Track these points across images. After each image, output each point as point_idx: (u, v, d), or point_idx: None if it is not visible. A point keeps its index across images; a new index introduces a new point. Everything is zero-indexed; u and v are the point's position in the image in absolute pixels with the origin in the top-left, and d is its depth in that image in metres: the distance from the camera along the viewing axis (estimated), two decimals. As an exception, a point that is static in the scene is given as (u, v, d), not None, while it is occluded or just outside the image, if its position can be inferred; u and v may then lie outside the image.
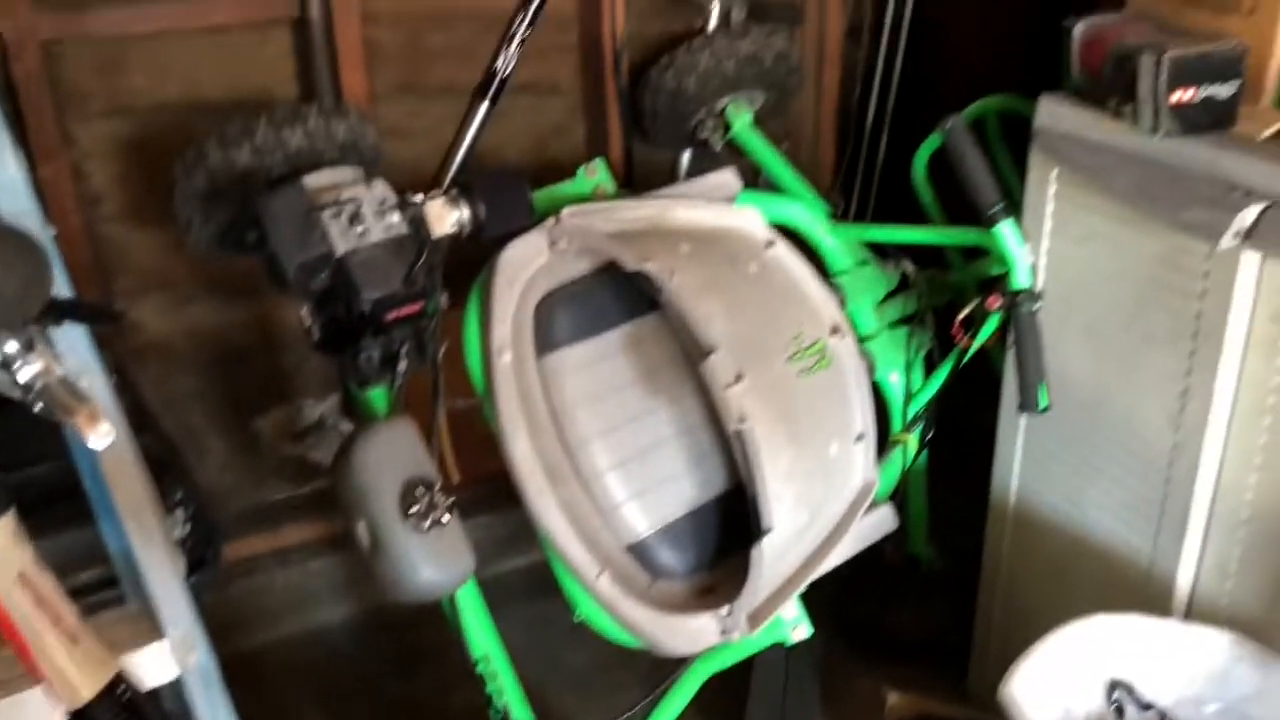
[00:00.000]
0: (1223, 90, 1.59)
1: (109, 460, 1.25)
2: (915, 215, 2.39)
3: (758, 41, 2.37)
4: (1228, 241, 1.52)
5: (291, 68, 2.30)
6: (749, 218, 1.98)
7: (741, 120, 2.46)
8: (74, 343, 1.22)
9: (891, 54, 2.76)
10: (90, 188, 2.20)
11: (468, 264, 1.84)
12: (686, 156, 2.70)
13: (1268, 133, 1.60)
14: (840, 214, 2.82)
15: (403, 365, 1.65)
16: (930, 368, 2.26)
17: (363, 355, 1.66)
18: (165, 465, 1.70)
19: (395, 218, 1.63)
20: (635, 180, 2.58)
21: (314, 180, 1.66)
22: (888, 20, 2.74)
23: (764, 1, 2.61)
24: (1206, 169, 1.57)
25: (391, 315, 1.62)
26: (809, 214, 2.22)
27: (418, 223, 1.64)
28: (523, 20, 2.41)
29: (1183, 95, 1.58)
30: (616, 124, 2.52)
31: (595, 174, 2.04)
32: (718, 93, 2.40)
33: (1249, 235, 1.51)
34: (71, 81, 2.13)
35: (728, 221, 1.96)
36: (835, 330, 1.94)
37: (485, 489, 1.96)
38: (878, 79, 2.78)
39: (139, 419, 1.83)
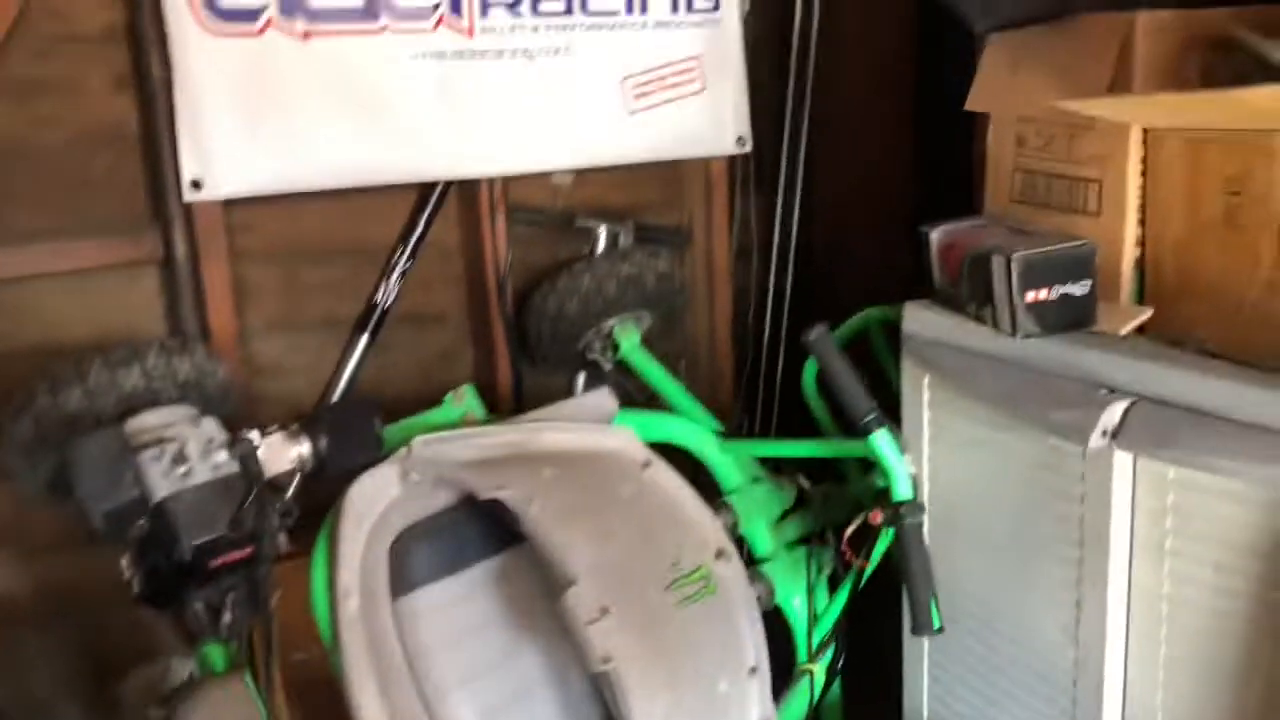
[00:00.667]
0: (1076, 289, 1.56)
1: None
2: (815, 429, 2.32)
3: (639, 263, 2.36)
4: (1096, 441, 1.45)
5: (160, 308, 2.24)
6: (623, 438, 1.90)
7: (629, 340, 2.42)
8: None
9: (782, 270, 2.77)
10: (-64, 439, 2.08)
11: (325, 505, 1.73)
12: (581, 379, 2.64)
13: (1128, 328, 1.56)
14: (742, 430, 2.77)
15: (227, 617, 1.51)
16: (835, 588, 2.14)
17: (189, 608, 1.52)
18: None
19: (222, 456, 1.53)
20: (526, 406, 2.50)
21: (138, 422, 1.56)
22: (775, 240, 2.76)
23: (650, 225, 2.62)
24: (1069, 368, 1.52)
25: (217, 561, 1.49)
26: (693, 431, 2.14)
27: (249, 461, 1.54)
28: (403, 253, 2.40)
29: (1037, 295, 1.55)
30: (503, 350, 2.47)
31: (463, 400, 1.97)
32: (601, 314, 2.36)
33: (1117, 434, 1.44)
34: (-81, 331, 2.05)
35: (600, 443, 1.88)
36: (720, 554, 1.83)
37: None
38: (770, 295, 2.78)
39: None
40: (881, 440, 1.74)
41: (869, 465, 2.20)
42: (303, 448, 1.63)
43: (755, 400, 2.83)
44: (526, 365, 2.53)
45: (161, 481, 1.48)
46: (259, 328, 2.34)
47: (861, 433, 1.74)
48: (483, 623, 1.75)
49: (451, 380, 2.56)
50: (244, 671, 1.59)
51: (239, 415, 1.86)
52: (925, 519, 1.74)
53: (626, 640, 1.57)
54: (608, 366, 2.45)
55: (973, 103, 1.83)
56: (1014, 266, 1.54)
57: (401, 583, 1.72)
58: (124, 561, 1.53)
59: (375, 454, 1.69)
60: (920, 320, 1.76)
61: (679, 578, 1.75)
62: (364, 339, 2.39)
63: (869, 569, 1.95)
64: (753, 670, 1.79)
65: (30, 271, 2.10)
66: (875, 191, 2.74)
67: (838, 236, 2.79)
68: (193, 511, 1.47)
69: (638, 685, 1.55)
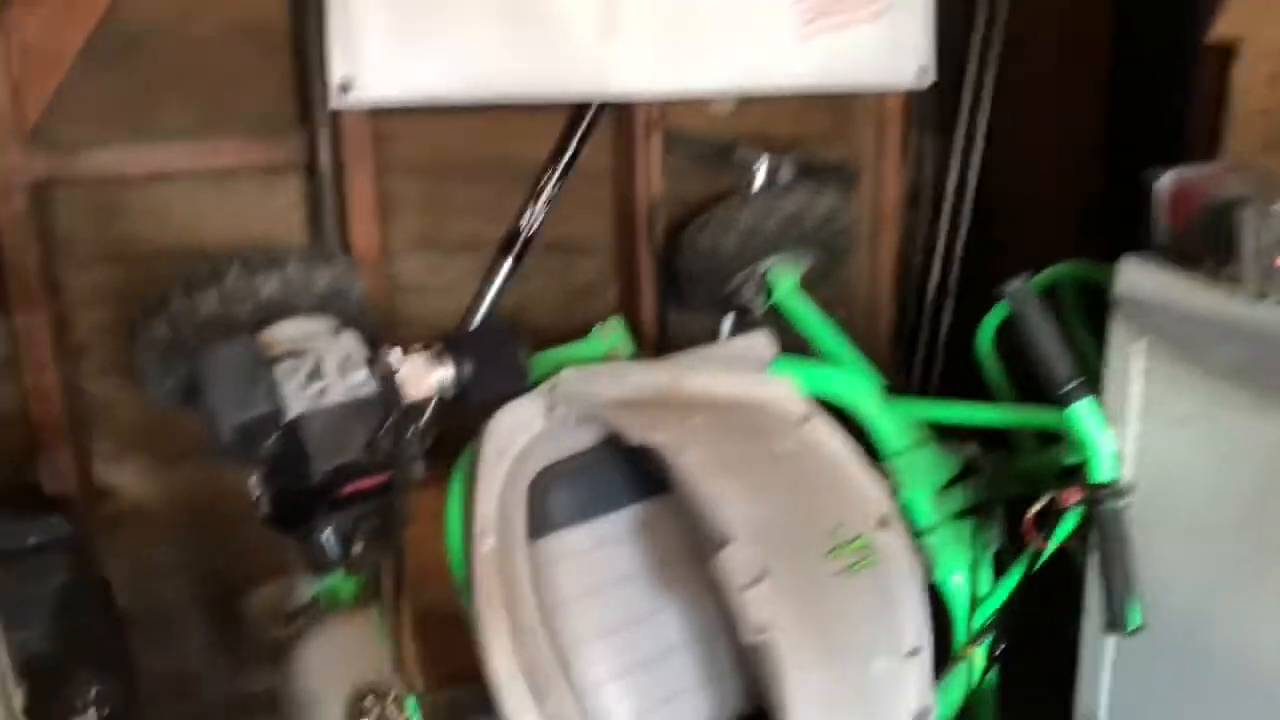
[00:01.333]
0: (1344, 249, 1.32)
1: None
2: (981, 392, 2.12)
3: (802, 201, 2.18)
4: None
5: (300, 217, 2.15)
6: (782, 389, 1.73)
7: (785, 284, 2.24)
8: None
9: (955, 217, 2.55)
10: (74, 338, 2.04)
11: (464, 430, 1.61)
12: (728, 323, 2.48)
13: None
14: (898, 389, 2.57)
15: (358, 548, 1.40)
16: (1000, 568, 1.95)
17: (316, 535, 1.42)
18: (83, 660, 1.46)
19: (360, 375, 1.42)
20: (670, 348, 2.35)
21: (275, 332, 1.46)
22: (950, 183, 2.54)
23: (814, 161, 2.43)
24: (1329, 341, 1.29)
25: (349, 488, 1.39)
26: (858, 387, 1.96)
27: (389, 382, 1.42)
28: (552, 175, 2.26)
29: (1295, 255, 1.32)
30: (650, 286, 2.32)
31: (610, 335, 1.82)
32: (759, 254, 2.19)
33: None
34: (62, 226, 2.00)
35: (755, 392, 1.71)
36: (883, 523, 1.66)
37: (458, 693, 1.66)
38: (941, 243, 2.56)
39: (67, 602, 1.60)
40: (1084, 412, 1.54)
41: (1048, 438, 1.99)
42: (445, 372, 1.51)
43: (913, 357, 2.63)
44: (672, 304, 2.38)
45: (296, 397, 1.37)
46: (401, 245, 2.24)
47: (1062, 402, 1.54)
48: (622, 575, 1.61)
49: (593, 314, 2.43)
50: (370, 607, 1.49)
51: (377, 334, 1.75)
52: (1129, 504, 1.54)
53: (782, 609, 1.42)
54: (759, 311, 2.28)
55: (1224, 28, 1.58)
56: (1272, 222, 1.32)
57: (538, 525, 1.59)
58: (252, 480, 1.43)
59: (520, 384, 1.56)
60: (1138, 278, 1.54)
61: (838, 545, 1.58)
62: (507, 264, 2.27)
63: (1046, 552, 1.75)
64: (913, 652, 1.61)
65: (172, 168, 2.03)
66: (1064, 139, 2.49)
67: (1018, 185, 2.54)
68: (327, 432, 1.37)
69: (792, 658, 1.40)
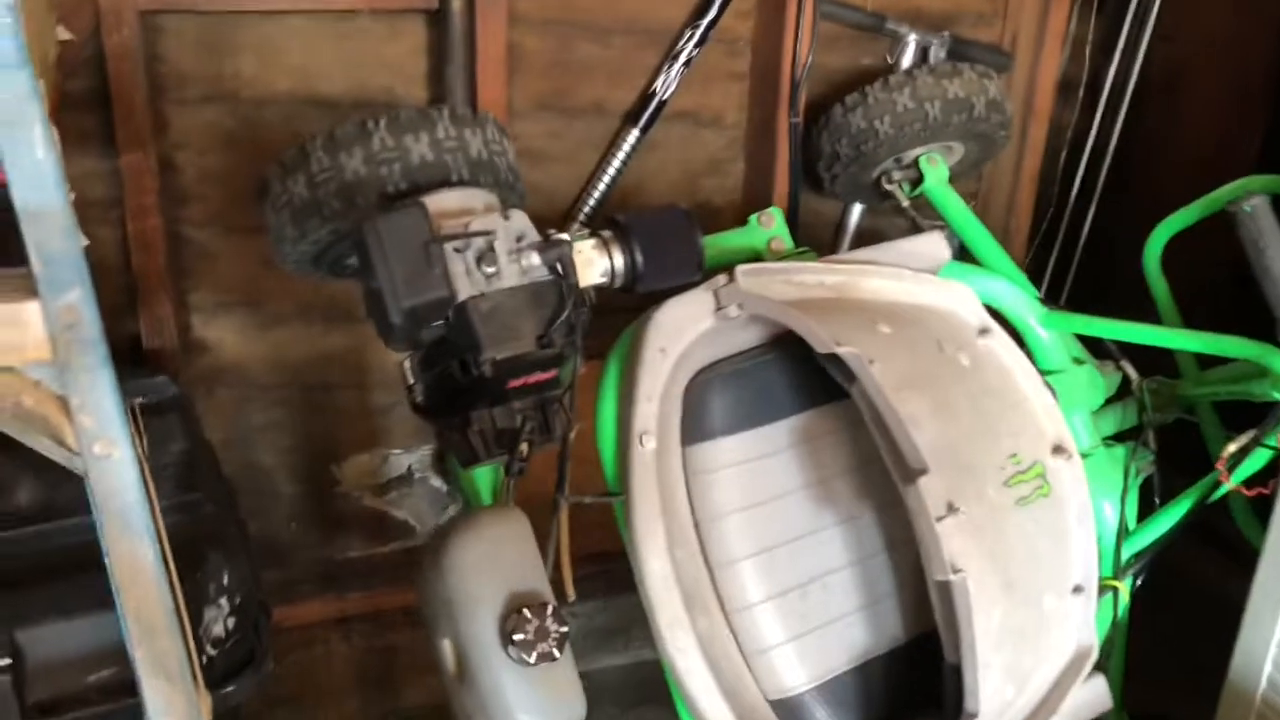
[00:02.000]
0: None
1: (120, 560, 0.90)
2: (1119, 306, 1.97)
3: (971, 84, 1.99)
4: None
5: (422, 68, 1.98)
6: (960, 297, 1.60)
7: (937, 174, 2.07)
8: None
9: (1110, 114, 2.35)
10: (178, 183, 1.90)
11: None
12: (857, 212, 2.32)
13: None
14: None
15: (523, 446, 1.29)
16: (1145, 499, 1.84)
17: (474, 427, 1.31)
18: (212, 540, 1.37)
19: (535, 259, 1.28)
20: (797, 236, 2.21)
21: (438, 203, 1.31)
22: (1110, 74, 2.33)
23: (968, 41, 2.23)
24: None
25: (516, 382, 1.27)
26: (1020, 296, 1.81)
27: (563, 268, 1.29)
28: (690, 38, 2.08)
29: None
30: (784, 166, 2.15)
31: (771, 224, 1.67)
32: (914, 140, 2.01)
33: None
34: (171, 60, 1.84)
35: (935, 298, 1.58)
36: (1058, 449, 1.55)
37: (585, 569, 1.57)
38: (1090, 141, 2.37)
39: (188, 471, 1.51)
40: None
41: (1210, 362, 1.85)
42: (616, 259, 1.37)
43: (1045, 263, 2.47)
44: (805, 188, 2.21)
45: (466, 280, 1.24)
46: (523, 106, 2.07)
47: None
48: (779, 489, 1.50)
49: (719, 194, 2.29)
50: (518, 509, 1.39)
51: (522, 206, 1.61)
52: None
53: (970, 544, 1.32)
54: (904, 202, 2.11)
55: None
56: None
57: (694, 429, 1.48)
58: (406, 364, 1.31)
59: (694, 275, 1.43)
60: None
61: (1016, 473, 1.47)
62: (634, 133, 2.11)
63: (1221, 491, 1.63)
64: (1078, 589, 1.53)
65: (288, 6, 1.85)
66: (1245, 33, 2.26)
67: (1187, 83, 2.33)
68: (498, 320, 1.24)
69: (976, 595, 1.30)
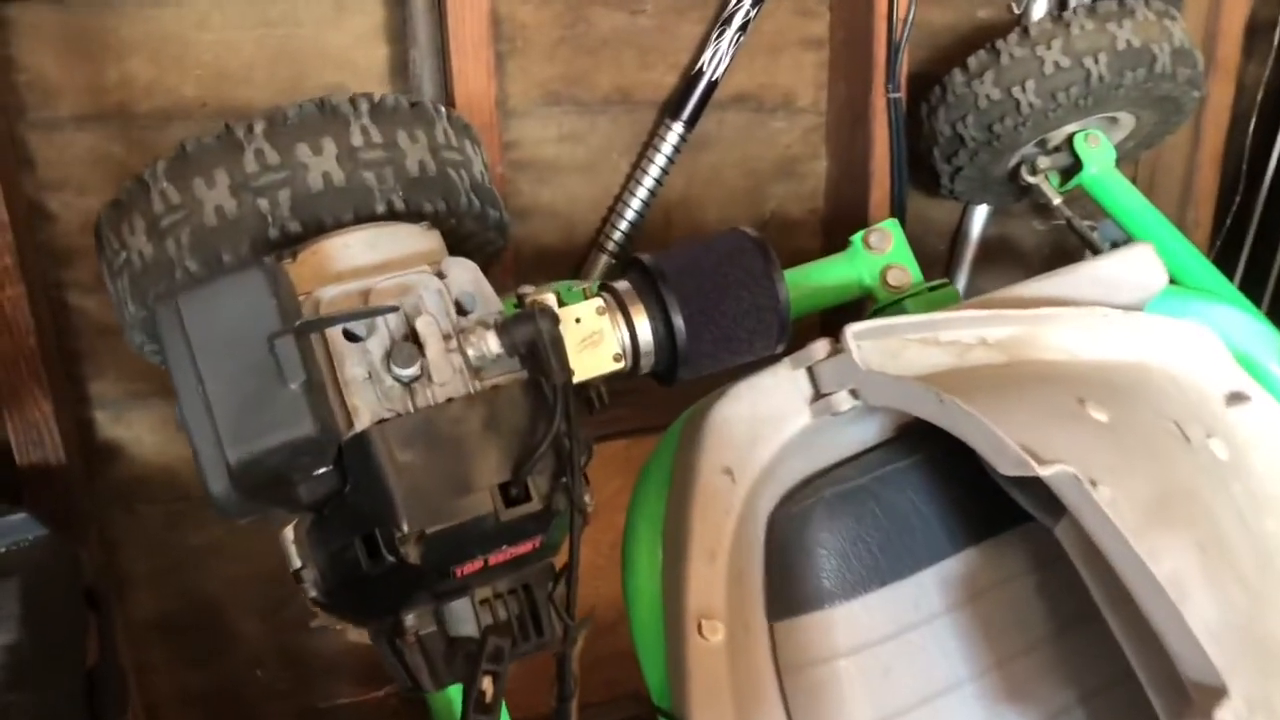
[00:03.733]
0: None
1: None
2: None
3: (1148, 27, 1.40)
4: None
5: (380, 60, 1.45)
6: (1199, 345, 1.01)
7: (1099, 157, 1.49)
8: None
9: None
10: (55, 235, 1.39)
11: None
12: (982, 217, 1.74)
13: None
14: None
15: (500, 667, 0.73)
16: None
17: (408, 638, 0.75)
18: None
19: (492, 344, 0.73)
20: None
21: (325, 251, 0.76)
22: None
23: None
24: None
25: (469, 566, 0.71)
26: (1258, 330, 1.22)
27: (542, 357, 0.73)
28: (746, -5, 1.52)
29: None
30: (883, 159, 1.57)
31: (887, 246, 1.10)
32: (1069, 113, 1.43)
33: None
34: (29, 67, 1.33)
35: (1162, 354, 0.99)
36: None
37: None
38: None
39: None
40: None
41: None
42: (640, 329, 0.82)
43: (1234, 268, 1.86)
44: (910, 187, 1.63)
45: (367, 392, 0.69)
46: (522, 99, 1.53)
47: None
48: (935, 685, 0.93)
49: (796, 204, 1.72)
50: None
51: (500, 251, 1.06)
52: None
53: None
54: (1055, 199, 1.53)
55: None
56: None
57: (788, 595, 0.92)
58: (288, 537, 0.76)
59: (773, 347, 0.86)
60: None
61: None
62: (676, 128, 1.55)
63: None
64: None
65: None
66: None
67: None
68: (427, 464, 0.68)
69: None
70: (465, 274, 0.76)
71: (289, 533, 0.76)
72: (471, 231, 0.97)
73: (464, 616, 0.75)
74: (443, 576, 0.71)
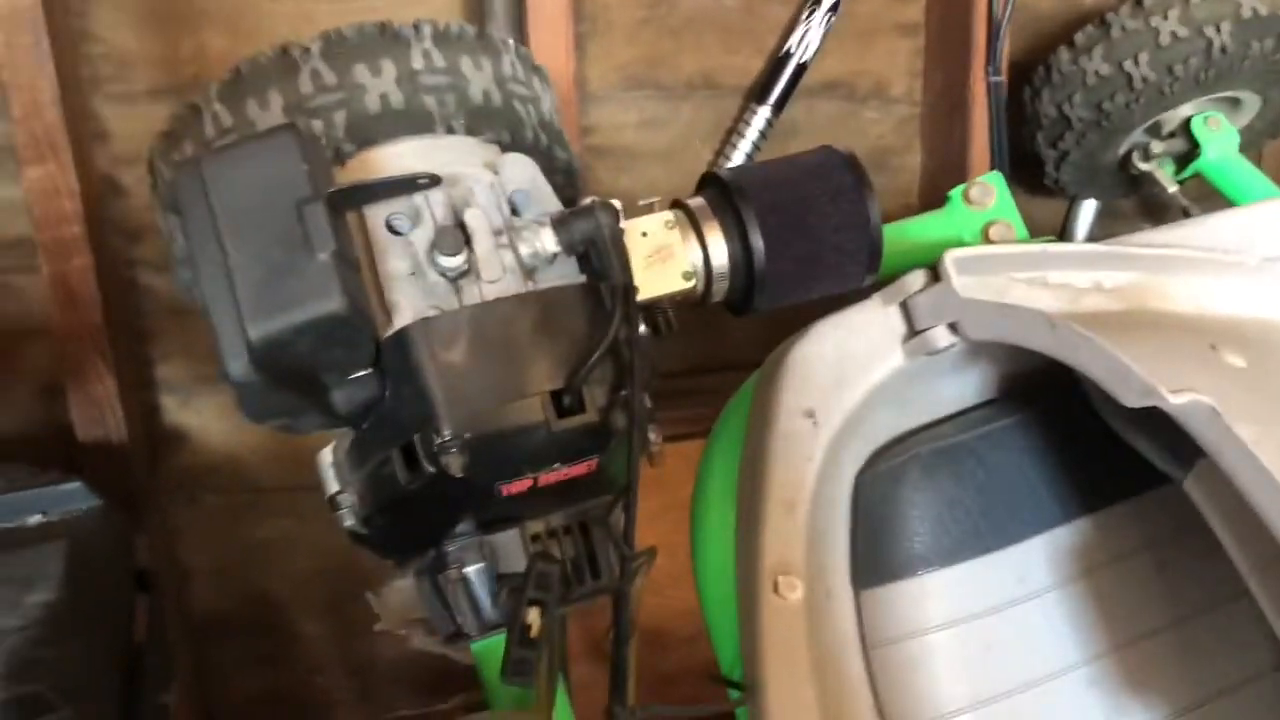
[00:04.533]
0: None
1: None
2: None
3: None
4: None
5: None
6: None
7: (1220, 142, 1.38)
8: None
9: None
10: (127, 211, 1.37)
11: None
12: (1090, 211, 1.64)
13: None
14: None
15: (552, 600, 0.64)
16: None
17: (450, 573, 0.68)
18: None
19: (548, 241, 0.66)
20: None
21: (376, 155, 0.70)
22: None
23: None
24: None
25: (518, 484, 0.64)
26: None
27: (603, 257, 0.66)
28: (838, -26, 1.46)
29: None
30: (983, 147, 1.49)
31: (988, 201, 1.01)
32: (1187, 90, 1.33)
33: None
34: (106, 39, 1.32)
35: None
36: None
37: None
38: None
39: (38, 640, 0.93)
40: None
41: None
42: (713, 248, 0.74)
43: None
44: (1010, 178, 1.54)
45: (409, 286, 0.63)
46: (605, 84, 1.49)
47: None
48: (1041, 668, 0.82)
49: (890, 196, 1.63)
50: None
51: (576, 189, 1.00)
52: None
53: None
54: (1170, 188, 1.42)
55: None
56: None
57: (877, 560, 0.82)
58: (326, 460, 0.70)
59: (862, 278, 0.78)
60: None
61: None
62: (762, 113, 1.49)
63: None
64: None
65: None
66: None
67: None
68: (472, 363, 0.62)
69: None
70: (521, 171, 0.69)
71: (326, 454, 0.70)
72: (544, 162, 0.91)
73: (513, 552, 0.68)
74: (487, 496, 0.64)
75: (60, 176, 1.27)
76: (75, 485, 1.18)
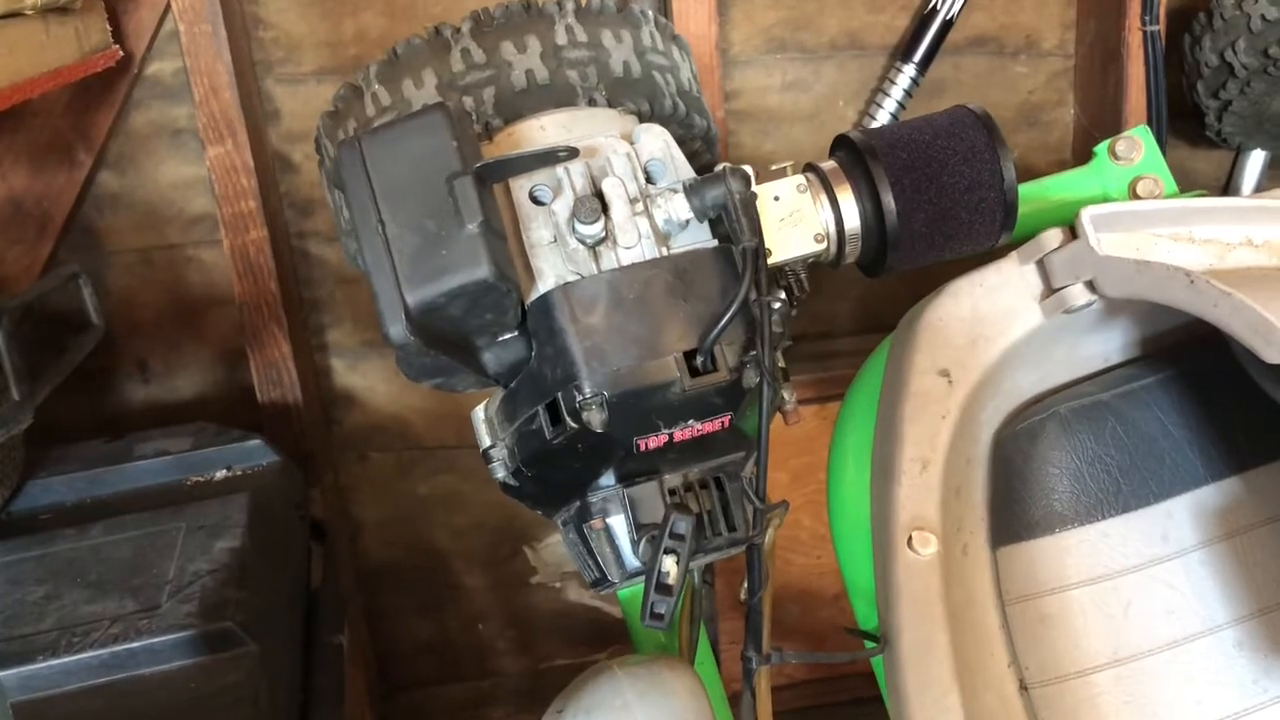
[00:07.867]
0: None
1: None
2: None
3: None
4: None
5: (601, 5, 1.44)
6: None
7: (1402, 86, 1.30)
8: None
9: None
10: (298, 186, 1.46)
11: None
12: (1259, 163, 1.56)
13: None
14: None
15: (686, 548, 0.68)
16: None
17: (593, 524, 0.72)
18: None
19: (682, 208, 0.69)
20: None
21: (519, 129, 0.75)
22: None
23: None
24: None
25: (654, 439, 0.68)
26: None
27: (736, 223, 0.69)
28: (984, -76, 1.43)
29: None
30: (1139, 103, 1.44)
31: (1136, 156, 0.98)
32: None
33: None
34: (274, 23, 1.42)
35: None
36: None
37: None
38: None
39: (227, 583, 1.01)
40: None
41: None
42: (845, 209, 0.76)
43: None
44: (1169, 132, 1.48)
45: (551, 253, 0.67)
46: (748, 47, 1.50)
47: None
48: (1184, 629, 0.81)
49: (1042, 156, 1.60)
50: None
51: (714, 157, 1.02)
52: None
53: None
54: (1346, 135, 1.35)
55: None
56: None
57: (1014, 518, 0.83)
58: (480, 415, 0.75)
59: (995, 238, 0.78)
60: None
61: None
62: (908, 70, 1.48)
63: None
64: None
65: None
66: None
67: None
68: (610, 324, 0.65)
69: None
70: (656, 141, 0.72)
71: (479, 411, 0.75)
72: (678, 139, 0.94)
73: (652, 505, 0.71)
74: (626, 450, 0.67)
75: (237, 155, 1.37)
76: (256, 442, 1.29)
